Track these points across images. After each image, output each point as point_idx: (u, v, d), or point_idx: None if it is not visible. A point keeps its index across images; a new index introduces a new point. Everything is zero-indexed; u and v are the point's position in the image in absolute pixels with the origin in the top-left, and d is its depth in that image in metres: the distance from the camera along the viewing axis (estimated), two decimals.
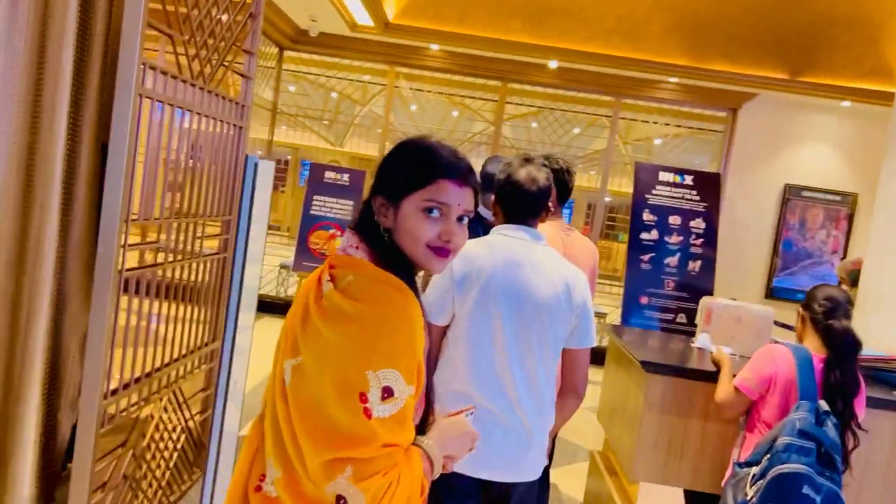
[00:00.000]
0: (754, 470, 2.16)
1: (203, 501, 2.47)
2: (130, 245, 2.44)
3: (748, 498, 2.12)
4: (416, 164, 1.26)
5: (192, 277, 3.12)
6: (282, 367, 1.20)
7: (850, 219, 7.06)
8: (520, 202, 2.10)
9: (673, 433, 2.58)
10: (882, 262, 3.40)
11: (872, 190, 5.85)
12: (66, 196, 2.36)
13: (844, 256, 7.14)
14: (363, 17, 6.60)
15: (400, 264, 1.24)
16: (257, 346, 6.38)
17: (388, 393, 1.09)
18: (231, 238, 2.46)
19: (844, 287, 6.38)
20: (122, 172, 2.26)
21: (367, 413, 1.08)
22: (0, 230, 2.33)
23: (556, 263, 2.02)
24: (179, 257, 3.01)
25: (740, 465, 2.25)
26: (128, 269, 2.41)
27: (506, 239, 2.08)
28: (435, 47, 7.38)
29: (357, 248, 1.25)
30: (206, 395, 3.33)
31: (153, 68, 2.38)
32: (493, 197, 2.23)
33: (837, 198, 7.04)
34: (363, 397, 1.08)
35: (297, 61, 8.14)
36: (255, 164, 2.44)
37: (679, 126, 8.21)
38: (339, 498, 1.08)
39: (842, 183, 7.07)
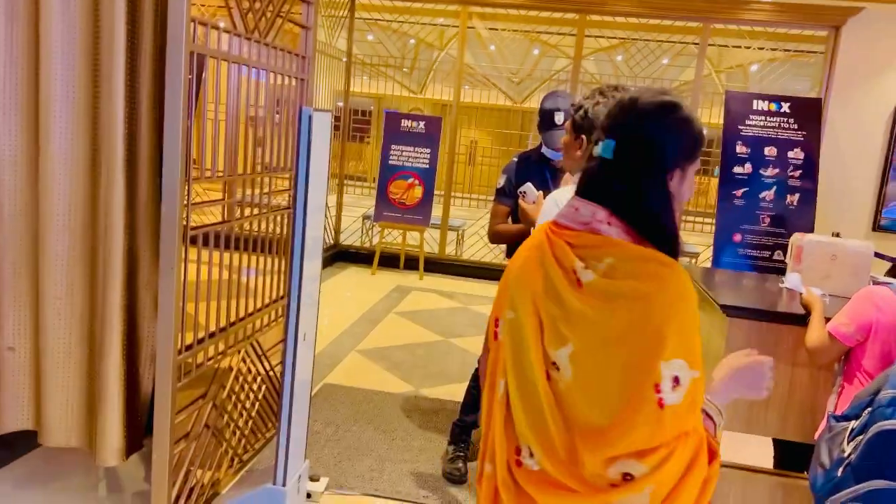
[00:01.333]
0: (853, 424, 1.99)
1: (279, 449, 2.55)
2: (194, 204, 2.48)
3: (846, 455, 1.96)
4: (694, 132, 1.17)
5: (262, 231, 3.18)
6: (542, 353, 1.14)
7: None
8: None
9: None
10: None
11: None
12: (130, 157, 2.41)
13: None
14: None
15: (667, 239, 1.15)
16: (338, 295, 6.48)
17: (676, 382, 1.07)
18: (297, 193, 2.47)
19: None
20: (178, 131, 2.27)
21: (661, 403, 1.07)
22: (72, 195, 2.41)
23: None
24: (250, 212, 3.06)
25: (837, 418, 2.08)
26: (192, 228, 2.45)
27: None
28: None
29: (609, 223, 1.14)
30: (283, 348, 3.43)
31: (203, 24, 2.36)
32: (565, 134, 2.09)
33: None
34: (657, 388, 1.07)
35: (369, 8, 8.04)
36: (310, 117, 2.40)
37: (775, 49, 7.58)
38: (626, 476, 1.08)
39: None
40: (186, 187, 2.34)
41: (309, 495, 2.86)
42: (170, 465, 2.42)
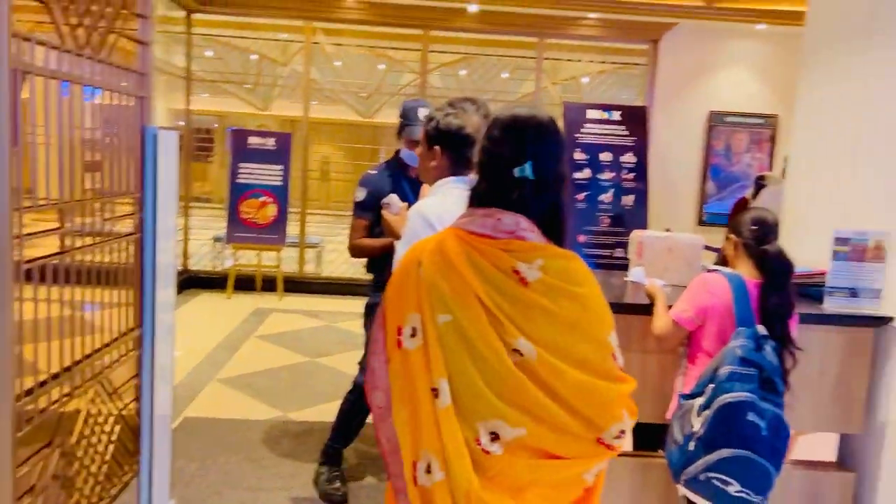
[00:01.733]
0: (699, 401, 2.19)
1: (140, 491, 2.38)
2: (27, 235, 2.27)
3: (695, 429, 2.14)
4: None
5: (106, 260, 2.96)
6: (499, 346, 1.25)
7: (773, 140, 7.22)
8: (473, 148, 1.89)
9: None
10: (800, 179, 3.47)
11: (792, 111, 5.96)
12: None
13: None
14: None
15: (565, 239, 1.38)
16: (193, 323, 6.17)
17: (618, 348, 1.36)
18: (145, 217, 2.33)
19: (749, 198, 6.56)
20: (5, 156, 2.08)
21: (621, 369, 1.36)
22: None
23: None
24: (91, 241, 2.84)
25: (685, 396, 2.27)
26: (27, 261, 2.24)
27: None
28: None
29: (532, 231, 1.31)
30: (138, 383, 3.21)
31: (27, 39, 2.17)
32: (422, 140, 2.08)
33: (760, 121, 7.17)
34: (613, 356, 1.34)
35: (208, 24, 7.75)
36: (155, 136, 2.28)
37: (604, 62, 8.18)
38: (622, 432, 1.33)
39: (763, 106, 7.20)
40: (18, 217, 2.14)
41: None
42: None
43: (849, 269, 2.68)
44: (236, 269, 7.46)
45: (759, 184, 5.59)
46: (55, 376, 2.49)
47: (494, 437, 1.24)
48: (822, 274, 2.77)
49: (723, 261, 2.60)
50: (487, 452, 1.24)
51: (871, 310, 2.68)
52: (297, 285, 7.57)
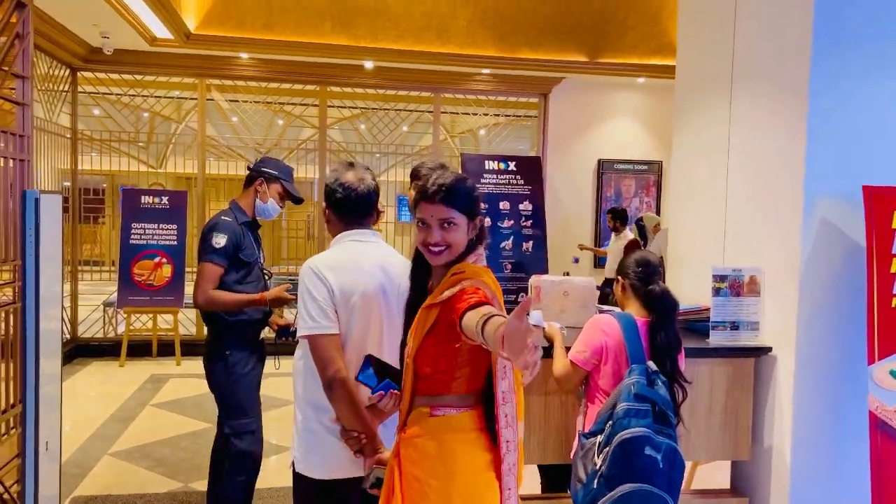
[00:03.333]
0: (599, 438, 2.25)
1: None
2: None
3: (598, 467, 2.20)
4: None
5: None
6: None
7: (658, 185, 7.69)
8: (355, 202, 2.16)
9: None
10: (679, 221, 3.71)
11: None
12: None
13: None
14: (161, 31, 6.20)
15: None
16: (82, 395, 5.80)
17: None
18: (26, 285, 2.20)
19: (633, 236, 6.92)
20: None
21: None
22: None
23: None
24: None
25: (586, 435, 2.33)
26: None
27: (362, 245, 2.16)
28: (244, 56, 7.11)
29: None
30: (21, 464, 2.98)
31: None
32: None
33: (645, 167, 7.63)
34: None
35: (95, 82, 7.50)
36: (36, 200, 2.19)
37: (498, 115, 8.50)
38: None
39: (647, 152, 7.68)
40: None
41: None
42: None
43: (728, 304, 2.87)
44: (129, 335, 7.10)
45: (640, 225, 5.89)
46: None
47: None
48: (707, 310, 2.95)
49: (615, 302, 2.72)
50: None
51: (750, 341, 2.87)
52: (197, 348, 7.23)
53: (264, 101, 8.46)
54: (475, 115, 8.44)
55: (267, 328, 3.17)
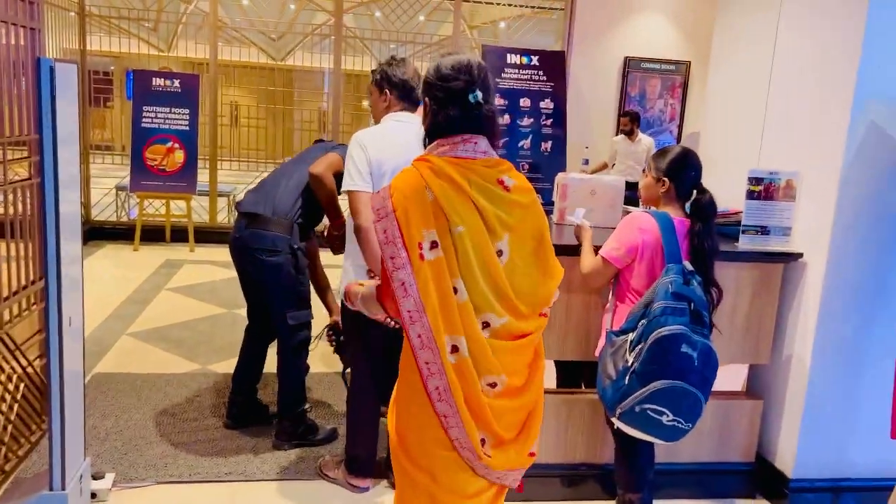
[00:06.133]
0: (631, 336, 2.24)
1: (52, 450, 2.25)
2: None
3: (629, 364, 2.20)
4: None
5: (2, 210, 2.74)
6: (492, 251, 1.56)
7: (685, 87, 7.41)
8: (412, 90, 2.66)
9: None
10: (713, 121, 3.57)
11: (703, 58, 6.12)
12: None
13: (681, 124, 7.53)
14: None
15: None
16: (98, 276, 5.85)
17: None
18: (44, 160, 2.12)
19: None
20: None
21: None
22: None
23: None
24: None
25: (616, 333, 2.32)
26: None
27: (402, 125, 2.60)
28: None
29: (492, 150, 1.63)
30: (44, 338, 3.02)
31: None
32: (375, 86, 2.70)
33: (672, 67, 7.32)
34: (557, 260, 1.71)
35: None
36: (52, 69, 2.08)
37: (522, 6, 8.10)
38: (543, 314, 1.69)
39: (676, 52, 7.34)
40: None
41: (94, 495, 2.59)
42: None
43: (761, 208, 2.78)
44: (143, 220, 7.09)
45: None
46: None
47: (485, 325, 1.58)
48: (738, 213, 2.87)
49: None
50: (486, 326, 1.59)
51: (781, 247, 2.81)
52: (209, 235, 7.27)
53: None
54: (498, 4, 8.05)
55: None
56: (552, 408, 2.76)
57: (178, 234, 7.21)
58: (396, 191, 1.56)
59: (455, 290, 1.54)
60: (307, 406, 3.20)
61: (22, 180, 2.83)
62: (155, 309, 5.07)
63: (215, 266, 6.43)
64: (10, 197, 2.79)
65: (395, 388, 1.72)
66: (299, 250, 3.00)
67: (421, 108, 1.70)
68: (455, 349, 1.55)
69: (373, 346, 2.68)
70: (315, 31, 8.28)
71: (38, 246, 2.94)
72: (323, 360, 4.11)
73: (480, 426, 1.59)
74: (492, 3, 8.17)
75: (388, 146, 2.52)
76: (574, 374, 3.06)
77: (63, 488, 2.29)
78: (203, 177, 7.30)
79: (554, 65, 6.58)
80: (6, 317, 2.75)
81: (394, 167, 2.43)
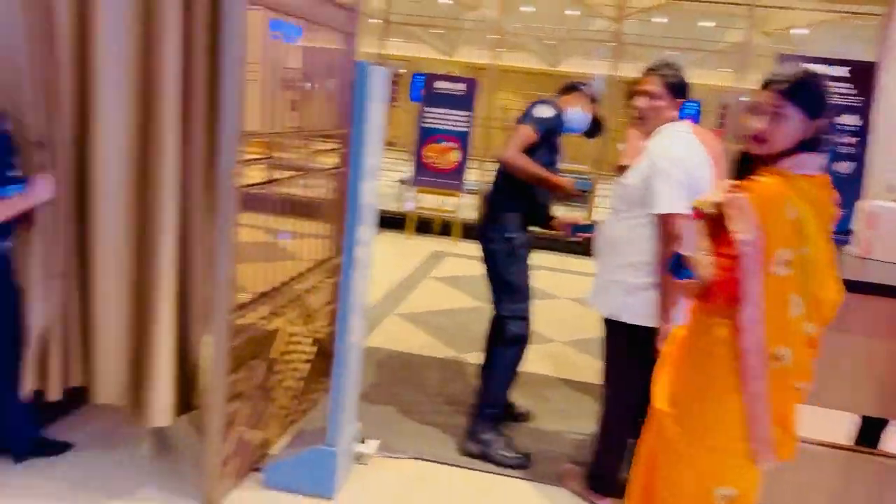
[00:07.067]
0: None
1: (332, 410, 2.52)
2: (246, 161, 2.42)
3: None
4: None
5: (311, 193, 3.11)
6: (826, 265, 1.72)
7: None
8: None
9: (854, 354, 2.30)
10: None
11: None
12: (185, 113, 2.35)
13: None
14: None
15: None
16: (378, 259, 6.40)
17: None
18: (354, 153, 2.39)
19: None
20: (235, 86, 2.20)
21: None
22: (124, 147, 2.35)
23: None
24: (296, 174, 3.00)
25: None
26: (245, 186, 2.39)
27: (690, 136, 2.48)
28: None
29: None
30: (332, 308, 3.39)
31: None
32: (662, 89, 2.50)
33: None
34: None
35: None
36: (368, 70, 2.31)
37: (830, 11, 7.27)
38: None
39: None
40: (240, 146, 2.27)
41: (358, 457, 2.84)
42: (223, 425, 2.40)
43: None
44: (415, 212, 7.67)
45: None
46: (262, 296, 2.68)
47: (807, 337, 1.74)
48: None
49: None
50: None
51: None
52: (473, 232, 7.62)
53: None
54: (800, 10, 7.33)
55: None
56: (832, 465, 2.44)
57: (445, 228, 7.67)
58: (761, 204, 1.66)
59: (791, 304, 1.68)
60: (514, 411, 3.18)
61: (331, 169, 3.20)
62: (420, 294, 5.45)
63: (476, 261, 6.71)
64: (318, 182, 3.17)
65: (695, 381, 1.91)
66: (514, 238, 2.98)
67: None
68: (780, 357, 1.71)
69: (644, 368, 2.53)
70: (592, 39, 8.25)
71: (336, 227, 3.30)
72: (553, 362, 4.09)
73: (780, 425, 1.79)
74: (788, 8, 7.46)
75: (698, 163, 2.41)
76: (871, 433, 2.67)
77: (335, 445, 2.55)
78: (471, 175, 7.68)
79: (865, 77, 5.80)
80: (304, 287, 3.12)
81: (704, 185, 2.35)
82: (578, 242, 3.10)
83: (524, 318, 3.04)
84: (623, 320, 2.50)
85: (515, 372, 3.11)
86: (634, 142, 3.43)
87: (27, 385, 2.39)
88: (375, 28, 7.73)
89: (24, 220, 2.29)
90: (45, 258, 2.33)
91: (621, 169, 3.19)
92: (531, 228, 3.12)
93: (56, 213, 2.33)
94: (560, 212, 3.24)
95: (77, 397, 2.56)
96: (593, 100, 3.13)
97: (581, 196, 3.04)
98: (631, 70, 8.08)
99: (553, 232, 3.21)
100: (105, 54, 2.24)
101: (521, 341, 3.05)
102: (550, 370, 4.09)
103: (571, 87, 3.15)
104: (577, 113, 3.07)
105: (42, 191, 2.24)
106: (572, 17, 11.81)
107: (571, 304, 5.55)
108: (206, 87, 2.36)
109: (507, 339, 3.04)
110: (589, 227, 3.03)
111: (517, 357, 3.07)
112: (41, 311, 2.35)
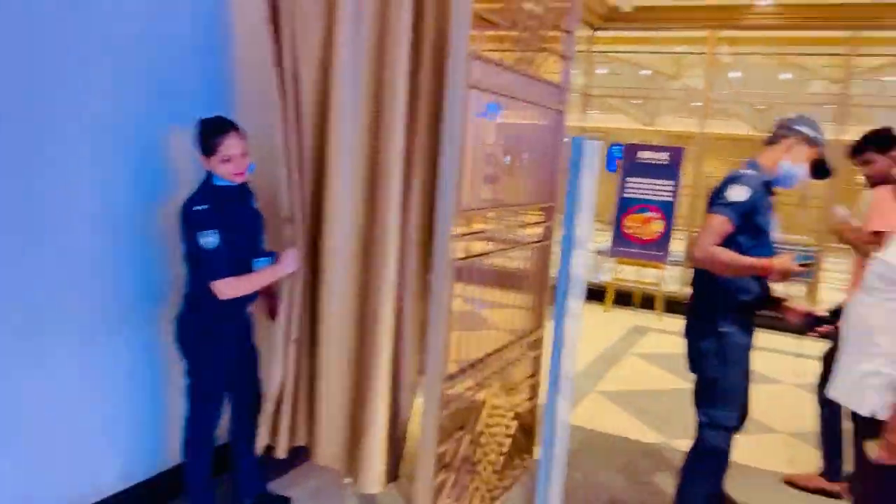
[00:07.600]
0: None
1: (539, 489, 2.44)
2: (462, 235, 2.49)
3: None
4: None
5: (516, 265, 3.14)
6: None
7: None
8: None
9: None
10: None
11: None
12: (405, 189, 2.49)
13: None
14: None
15: None
16: (579, 332, 6.22)
17: None
18: (555, 225, 2.38)
19: None
20: (455, 163, 2.30)
21: None
22: (353, 223, 2.54)
23: None
24: (504, 246, 3.04)
25: None
26: (458, 259, 2.46)
27: None
28: (763, 2, 6.56)
29: None
30: (534, 382, 3.34)
31: (479, 58, 2.38)
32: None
33: None
34: None
35: (607, 41, 7.91)
36: (582, 145, 2.31)
37: None
38: None
39: None
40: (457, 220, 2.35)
41: None
42: (431, 496, 2.41)
43: None
44: (615, 283, 7.45)
45: None
46: (470, 366, 2.70)
47: None
48: None
49: None
50: None
51: None
52: (677, 306, 7.22)
53: (776, 53, 7.76)
54: None
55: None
56: None
57: (646, 301, 7.36)
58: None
59: None
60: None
61: (536, 241, 3.21)
62: (621, 371, 5.22)
63: (681, 338, 6.34)
64: (524, 254, 3.19)
65: None
66: (728, 335, 2.59)
67: None
68: None
69: None
70: (809, 102, 7.68)
71: (538, 300, 3.28)
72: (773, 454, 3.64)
73: None
74: None
75: None
76: None
77: None
78: (676, 246, 7.34)
79: None
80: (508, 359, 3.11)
81: None
82: (815, 328, 2.66)
83: (727, 429, 2.66)
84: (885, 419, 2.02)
85: (715, 485, 2.80)
86: (882, 204, 3.06)
87: (261, 441, 2.59)
88: (576, 101, 7.82)
89: (269, 290, 2.53)
90: (285, 324, 2.54)
91: (876, 236, 2.84)
92: (757, 312, 2.70)
93: (294, 283, 2.55)
94: (781, 289, 2.87)
95: (295, 454, 2.73)
96: (811, 141, 2.70)
97: (805, 270, 2.59)
98: (856, 132, 7.41)
99: (781, 316, 2.73)
100: (340, 128, 2.45)
101: (718, 455, 2.68)
102: (770, 464, 3.68)
103: (778, 135, 2.75)
104: (788, 167, 2.68)
105: (289, 264, 2.47)
106: (784, 81, 11.11)
107: (795, 390, 5.00)
108: (424, 164, 2.50)
109: (701, 450, 2.70)
110: (809, 257, 2.70)
111: (711, 472, 2.74)
112: (278, 373, 2.56)
